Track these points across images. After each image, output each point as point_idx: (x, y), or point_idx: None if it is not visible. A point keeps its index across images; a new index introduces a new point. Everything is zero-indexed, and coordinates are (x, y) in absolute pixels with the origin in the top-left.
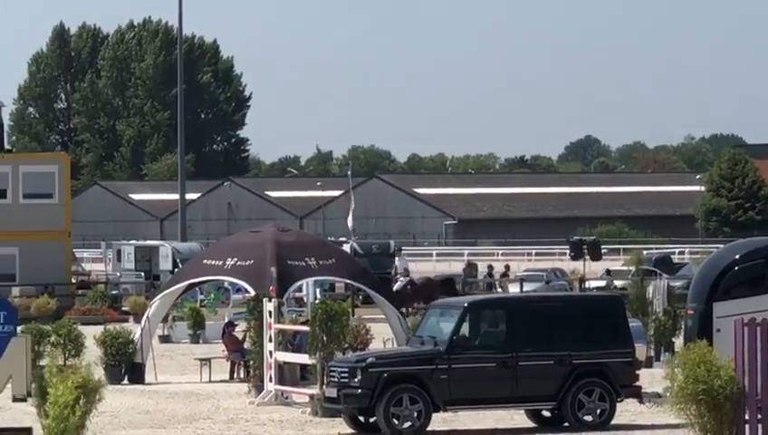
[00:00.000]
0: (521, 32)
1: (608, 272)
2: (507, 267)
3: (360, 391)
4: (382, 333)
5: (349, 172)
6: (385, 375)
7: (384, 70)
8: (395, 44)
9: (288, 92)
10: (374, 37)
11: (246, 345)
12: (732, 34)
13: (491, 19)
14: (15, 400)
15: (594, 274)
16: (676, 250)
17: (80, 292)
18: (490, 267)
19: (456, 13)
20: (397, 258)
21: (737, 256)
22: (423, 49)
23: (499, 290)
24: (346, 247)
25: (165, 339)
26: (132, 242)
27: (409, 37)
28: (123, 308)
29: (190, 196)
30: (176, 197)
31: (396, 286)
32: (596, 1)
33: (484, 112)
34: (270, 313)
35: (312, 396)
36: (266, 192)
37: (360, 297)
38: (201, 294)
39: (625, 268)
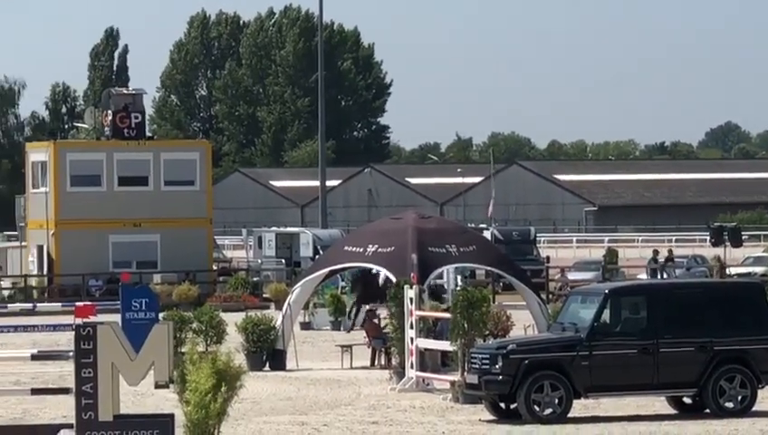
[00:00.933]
0: (659, 17)
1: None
2: (670, 252)
3: (500, 377)
4: (523, 320)
5: (491, 159)
6: (526, 362)
7: (524, 56)
8: (536, 31)
9: (428, 79)
10: (515, 23)
11: (387, 332)
12: None
13: (630, 2)
14: (157, 386)
15: (734, 260)
16: None
17: (221, 279)
18: (655, 252)
19: None
20: None
21: None
22: (563, 35)
23: (665, 276)
24: (486, 234)
25: (306, 326)
26: (273, 229)
27: (549, 24)
28: (264, 295)
29: (331, 182)
30: (316, 183)
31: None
32: None
33: (624, 99)
34: (411, 299)
35: (452, 383)
36: (406, 179)
37: (501, 284)
38: (342, 280)
39: (766, 255)
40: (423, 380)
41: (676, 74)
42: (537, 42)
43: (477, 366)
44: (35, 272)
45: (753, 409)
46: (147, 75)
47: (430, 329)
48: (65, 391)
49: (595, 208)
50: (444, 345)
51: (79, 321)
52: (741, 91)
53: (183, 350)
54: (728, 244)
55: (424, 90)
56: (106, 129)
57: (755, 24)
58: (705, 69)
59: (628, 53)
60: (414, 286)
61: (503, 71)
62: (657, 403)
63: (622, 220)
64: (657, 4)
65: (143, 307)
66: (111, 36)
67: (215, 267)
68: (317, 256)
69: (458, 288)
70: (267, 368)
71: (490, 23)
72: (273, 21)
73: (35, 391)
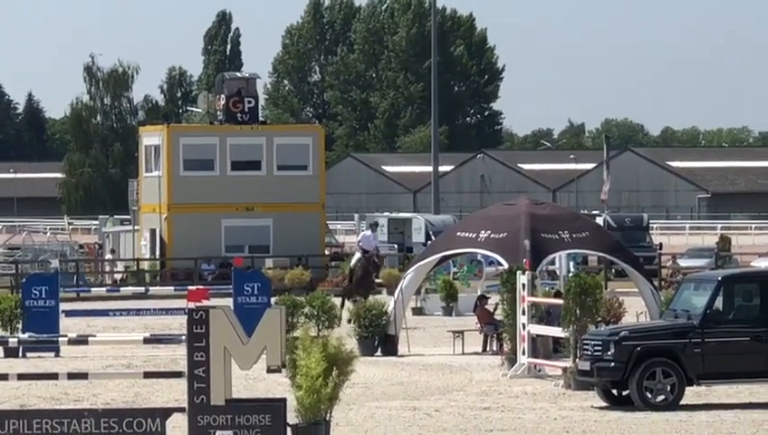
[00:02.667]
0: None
1: None
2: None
3: (613, 364)
4: (635, 307)
5: (604, 145)
6: (638, 349)
7: (637, 43)
8: (649, 17)
9: (541, 65)
10: (628, 7)
11: (499, 318)
12: None
13: None
14: (269, 371)
15: None
16: None
17: (333, 263)
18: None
19: None
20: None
21: None
22: (676, 21)
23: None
24: (599, 220)
25: (418, 311)
26: (386, 214)
27: (662, 9)
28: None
29: (443, 168)
30: (429, 169)
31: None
32: None
33: (738, 86)
34: (523, 285)
35: (564, 369)
36: (519, 165)
37: (614, 271)
38: (454, 266)
39: None
40: (535, 366)
41: None
42: (651, 27)
43: (589, 353)
44: (148, 256)
45: None
46: (260, 60)
47: (542, 315)
48: (177, 374)
49: (708, 195)
50: (556, 331)
51: (191, 305)
52: None
53: (295, 334)
54: None
55: (537, 75)
56: (219, 113)
57: None
58: None
59: (740, 38)
60: (527, 272)
61: (615, 57)
62: None
63: (735, 208)
64: None
65: (255, 291)
66: (224, 20)
67: (327, 252)
68: (429, 242)
69: (571, 274)
70: (379, 353)
71: (604, 7)
72: (385, 6)
73: (148, 375)
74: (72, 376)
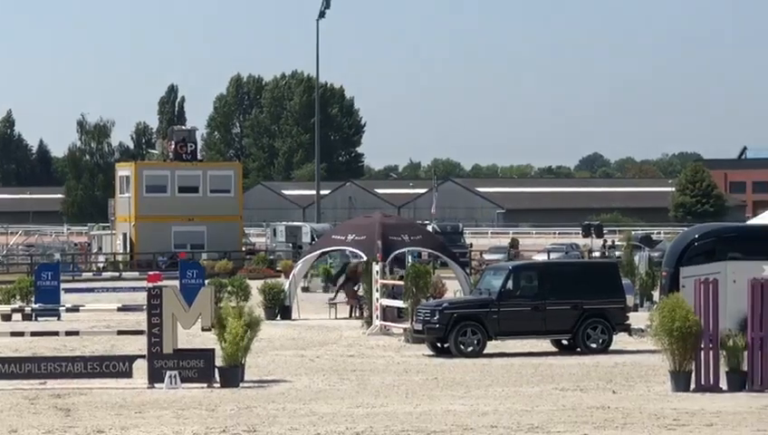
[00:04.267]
0: (567, 63)
1: (610, 246)
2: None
3: (438, 325)
4: (453, 287)
5: (435, 178)
6: (455, 315)
7: (454, 100)
8: (459, 85)
9: (392, 120)
10: (450, 79)
11: (361, 294)
12: (691, 78)
13: (527, 48)
14: (203, 330)
15: (598, 247)
16: (655, 231)
17: (248, 257)
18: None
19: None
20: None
21: (696, 236)
22: (478, 82)
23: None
24: (429, 228)
25: (305, 289)
26: (284, 223)
27: (468, 79)
28: (277, 268)
29: (323, 192)
30: (314, 192)
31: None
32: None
33: (524, 134)
34: (377, 272)
35: (405, 329)
36: (375, 189)
37: (439, 262)
38: (330, 259)
39: (619, 243)
40: (385, 326)
41: (559, 112)
42: (464, 88)
43: (422, 318)
44: (121, 251)
45: (610, 348)
46: (198, 118)
47: (390, 292)
48: (140, 332)
49: (504, 211)
50: (399, 303)
51: (150, 285)
52: (604, 128)
53: (221, 305)
54: (594, 236)
55: (388, 128)
56: (170, 154)
57: (610, 71)
58: (576, 109)
59: (524, 91)
60: (379, 263)
61: (445, 113)
62: (545, 344)
63: (522, 219)
64: (559, 51)
65: (194, 276)
66: (173, 90)
67: (244, 249)
68: (313, 242)
69: (410, 265)
70: (278, 318)
71: (435, 77)
72: (285, 81)
73: (120, 332)
74: (68, 333)
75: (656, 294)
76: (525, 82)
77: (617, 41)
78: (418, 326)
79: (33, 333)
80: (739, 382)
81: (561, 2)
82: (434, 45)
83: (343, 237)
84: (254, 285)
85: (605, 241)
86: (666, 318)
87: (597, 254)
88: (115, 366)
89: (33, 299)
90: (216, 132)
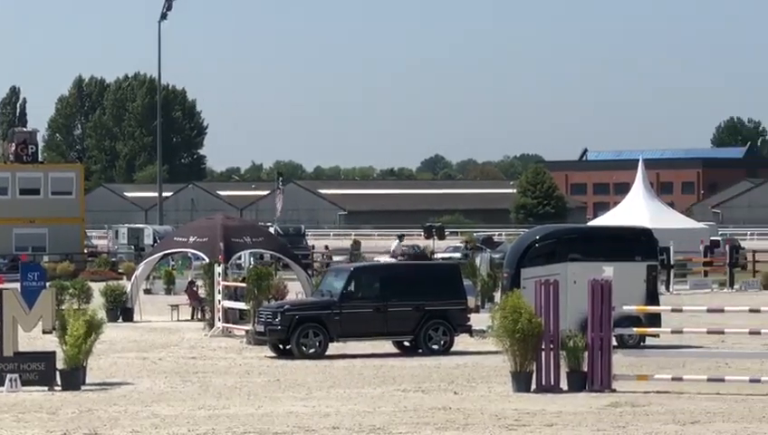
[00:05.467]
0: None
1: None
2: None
3: (279, 327)
4: (295, 289)
5: (281, 179)
6: (297, 317)
7: (297, 103)
8: (301, 85)
9: (234, 122)
10: (291, 80)
11: (203, 295)
12: (533, 86)
13: (386, 51)
14: (45, 332)
15: (440, 249)
16: (497, 233)
17: (90, 259)
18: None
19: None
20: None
21: (537, 237)
22: (328, 87)
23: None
24: (271, 230)
25: (147, 291)
26: (126, 225)
27: (309, 81)
28: (119, 270)
29: (166, 194)
30: (156, 194)
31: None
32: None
33: (365, 136)
34: (219, 274)
35: (247, 331)
36: (217, 191)
37: (281, 264)
38: (172, 261)
39: (461, 245)
40: (227, 328)
41: (401, 114)
42: (304, 90)
43: (264, 320)
44: None
45: (452, 350)
46: (40, 119)
47: (232, 294)
48: None
49: (345, 213)
50: (241, 305)
51: None
52: (445, 130)
53: (63, 308)
54: (436, 237)
55: (230, 129)
56: (11, 156)
57: (450, 72)
58: (418, 111)
59: (366, 101)
60: (221, 265)
61: (286, 116)
62: (387, 345)
63: (363, 221)
64: (385, 39)
65: (35, 278)
66: (15, 92)
67: (86, 251)
68: (155, 244)
69: (251, 266)
70: (120, 321)
71: (277, 82)
72: (127, 83)
73: None
74: None
75: (497, 296)
76: (368, 82)
77: (457, 41)
78: (260, 328)
79: None
80: (579, 383)
81: (391, 2)
82: (275, 48)
83: (185, 239)
84: (96, 288)
85: (465, 244)
86: (507, 319)
87: (439, 256)
88: None
89: None
90: (57, 134)
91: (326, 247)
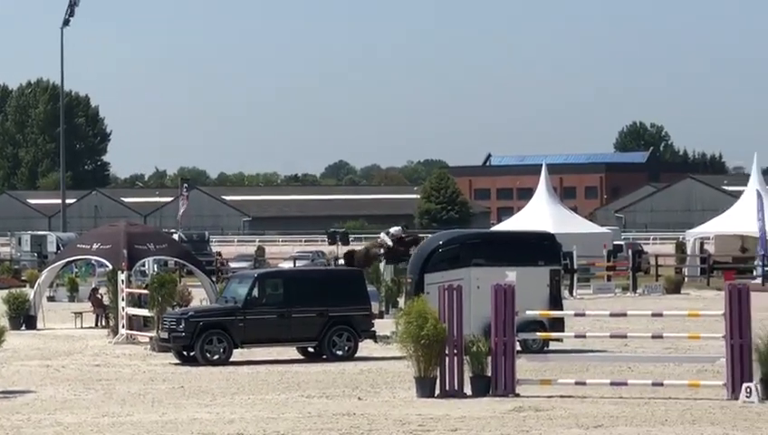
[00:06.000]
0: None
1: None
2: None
3: (183, 334)
4: (199, 295)
5: (185, 186)
6: (201, 323)
7: (200, 109)
8: (203, 91)
9: (136, 129)
10: (193, 86)
11: (106, 302)
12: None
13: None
14: None
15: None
16: None
17: None
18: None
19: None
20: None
21: (440, 242)
22: (228, 94)
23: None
24: (175, 236)
25: (51, 299)
26: (29, 232)
27: (213, 86)
28: (22, 278)
29: (69, 200)
30: (59, 201)
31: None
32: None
33: (269, 142)
34: (123, 281)
35: (151, 338)
36: (121, 198)
37: (186, 270)
38: (76, 268)
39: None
40: (131, 335)
41: (305, 119)
42: (206, 96)
43: (168, 326)
44: None
45: (356, 355)
46: None
47: (136, 301)
48: None
49: (250, 219)
50: (145, 312)
51: None
52: (350, 136)
53: None
54: (340, 243)
55: (133, 136)
56: None
57: (351, 78)
58: (322, 116)
59: (274, 105)
60: (125, 272)
61: (188, 123)
62: (291, 351)
63: (268, 227)
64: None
65: None
66: None
67: None
68: (59, 251)
69: (155, 273)
70: (23, 328)
71: (178, 90)
72: (30, 89)
73: None
74: None
75: (401, 301)
76: (271, 88)
77: (359, 47)
78: (165, 335)
79: None
80: (483, 387)
81: (299, 4)
82: (178, 54)
83: (89, 246)
84: None
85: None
86: (412, 325)
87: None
88: None
89: None
90: None
91: (218, 254)
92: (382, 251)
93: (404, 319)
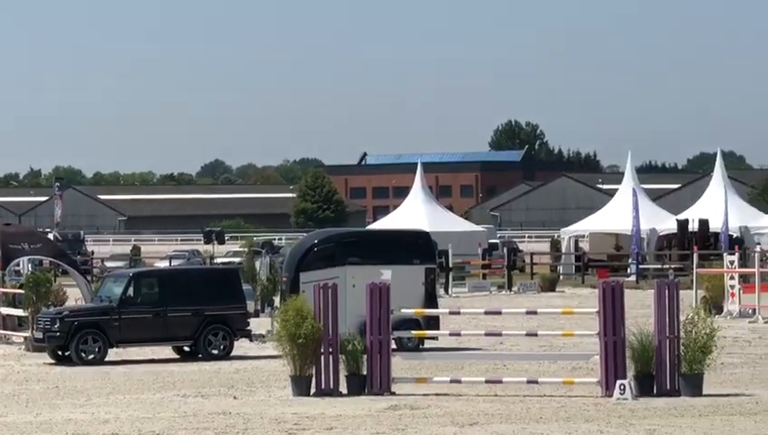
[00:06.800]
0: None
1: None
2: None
3: (58, 334)
4: (75, 295)
5: (57, 185)
6: (76, 323)
7: (78, 107)
8: (85, 89)
9: (10, 127)
10: (74, 84)
11: None
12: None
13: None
14: None
15: (220, 253)
16: (277, 237)
17: None
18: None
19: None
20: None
21: (316, 241)
22: (97, 92)
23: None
24: (50, 236)
25: None
26: None
27: (88, 85)
28: None
29: None
30: None
31: None
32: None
33: (145, 140)
34: None
35: (25, 338)
36: None
37: (60, 270)
38: None
39: (242, 249)
40: (5, 336)
41: (178, 118)
42: (86, 94)
43: (42, 326)
44: None
45: (232, 354)
46: None
47: (10, 301)
48: None
49: (126, 218)
50: (19, 312)
51: None
52: (226, 134)
53: None
54: (216, 242)
55: (7, 134)
56: None
57: (221, 76)
58: (196, 115)
59: (130, 105)
60: None
61: (60, 120)
62: (167, 350)
63: (144, 226)
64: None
65: None
66: None
67: None
68: None
69: (30, 272)
70: None
71: (50, 93)
72: None
73: None
74: None
75: (276, 300)
76: (141, 86)
77: (233, 46)
78: (39, 335)
79: None
80: (359, 386)
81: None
82: (52, 51)
83: None
84: None
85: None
86: (289, 323)
87: (220, 260)
88: None
89: None
90: None
91: (91, 253)
92: None
93: (281, 317)
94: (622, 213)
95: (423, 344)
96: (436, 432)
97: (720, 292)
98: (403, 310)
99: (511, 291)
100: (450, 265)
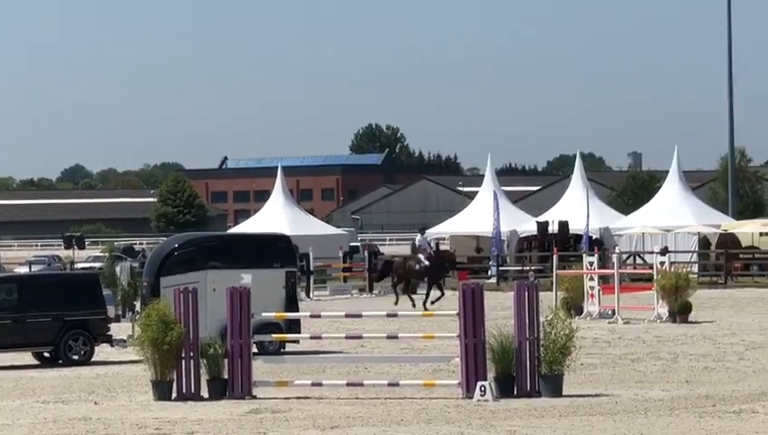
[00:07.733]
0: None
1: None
2: None
3: None
4: None
5: None
6: None
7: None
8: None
9: None
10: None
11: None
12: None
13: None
14: None
15: (82, 259)
16: (138, 242)
17: None
18: None
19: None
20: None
21: (176, 245)
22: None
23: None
24: None
25: None
26: None
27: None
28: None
29: None
30: None
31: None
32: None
33: (4, 145)
34: None
35: None
36: None
37: None
38: None
39: (102, 254)
40: None
41: (39, 121)
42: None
43: None
44: None
45: (93, 360)
46: None
47: None
48: None
49: None
50: None
51: None
52: (84, 138)
53: None
54: (76, 247)
55: None
56: None
57: (81, 78)
58: (54, 118)
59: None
60: None
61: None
62: (27, 357)
63: (4, 232)
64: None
65: None
66: None
67: None
68: None
69: None
70: None
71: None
72: None
73: None
74: None
75: (137, 305)
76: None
77: (107, 46)
78: None
79: None
80: (220, 390)
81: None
82: None
83: None
84: None
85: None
86: (152, 328)
87: (80, 265)
88: None
89: None
90: None
91: None
92: (418, 267)
93: (143, 322)
94: (483, 215)
95: (284, 348)
96: None
97: (580, 293)
98: (264, 314)
99: (372, 294)
100: (311, 269)
